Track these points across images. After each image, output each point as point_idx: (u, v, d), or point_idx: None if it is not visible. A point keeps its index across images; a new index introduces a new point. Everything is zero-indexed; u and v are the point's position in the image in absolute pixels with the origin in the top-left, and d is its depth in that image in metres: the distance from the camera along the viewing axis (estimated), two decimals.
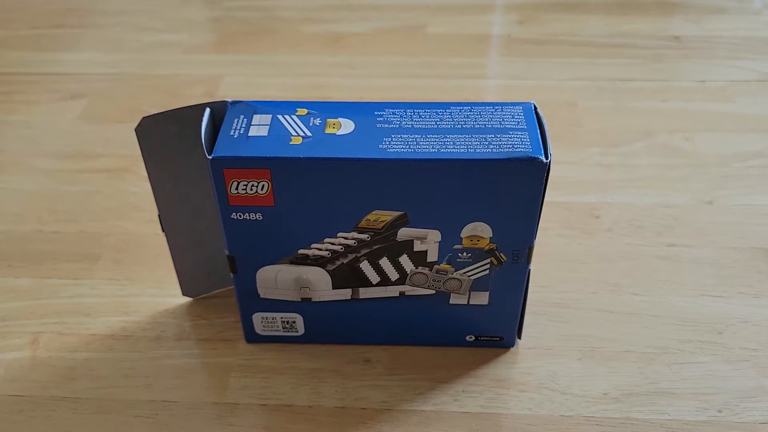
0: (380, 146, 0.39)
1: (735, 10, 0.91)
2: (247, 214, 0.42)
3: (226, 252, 0.44)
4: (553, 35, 0.86)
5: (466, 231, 0.42)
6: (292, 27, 0.89)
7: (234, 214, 0.42)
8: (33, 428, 0.44)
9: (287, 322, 0.48)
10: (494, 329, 0.48)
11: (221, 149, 0.39)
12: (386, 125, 0.41)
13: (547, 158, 0.39)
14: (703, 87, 0.76)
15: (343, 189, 0.40)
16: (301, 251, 0.43)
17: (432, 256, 0.43)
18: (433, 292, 0.45)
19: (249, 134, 0.40)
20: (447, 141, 0.40)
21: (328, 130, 0.41)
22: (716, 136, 0.69)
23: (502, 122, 0.41)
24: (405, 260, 0.44)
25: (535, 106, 0.42)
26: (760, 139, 0.68)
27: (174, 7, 0.94)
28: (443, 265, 0.44)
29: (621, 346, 0.49)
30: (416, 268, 0.44)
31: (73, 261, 0.56)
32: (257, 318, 0.48)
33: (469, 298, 0.46)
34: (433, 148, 0.39)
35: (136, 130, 0.43)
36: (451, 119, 0.41)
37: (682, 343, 0.49)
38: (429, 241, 0.43)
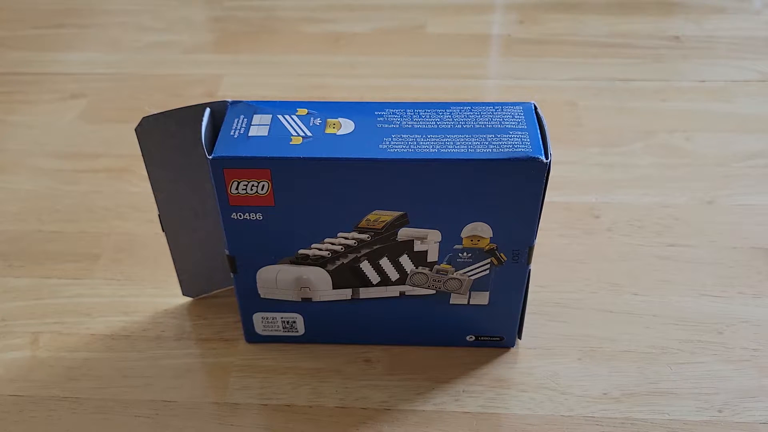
0: (380, 146, 0.39)
1: (735, 10, 0.91)
2: (247, 214, 0.42)
3: (226, 252, 0.44)
4: (553, 35, 0.86)
5: (467, 231, 0.42)
6: (292, 27, 0.89)
7: (234, 214, 0.42)
8: (33, 428, 0.44)
9: (287, 322, 0.48)
10: (494, 329, 0.48)
11: (221, 149, 0.39)
12: (386, 125, 0.41)
13: (547, 158, 0.39)
14: (703, 87, 0.76)
15: (343, 189, 0.40)
16: (301, 251, 0.43)
17: (432, 256, 0.43)
18: (434, 292, 0.45)
19: (249, 134, 0.40)
20: (447, 141, 0.40)
21: (329, 130, 0.41)
22: (716, 136, 0.69)
23: (503, 122, 0.41)
24: (405, 260, 0.44)
25: (535, 105, 0.42)
26: (760, 139, 0.68)
27: (174, 7, 0.94)
28: (443, 265, 0.44)
29: (621, 346, 0.49)
30: (416, 268, 0.44)
31: (73, 261, 0.56)
32: (257, 318, 0.48)
33: (469, 298, 0.46)
34: (433, 148, 0.39)
35: (136, 130, 0.43)
36: (451, 119, 0.41)
37: (682, 343, 0.49)
38: (429, 241, 0.43)
